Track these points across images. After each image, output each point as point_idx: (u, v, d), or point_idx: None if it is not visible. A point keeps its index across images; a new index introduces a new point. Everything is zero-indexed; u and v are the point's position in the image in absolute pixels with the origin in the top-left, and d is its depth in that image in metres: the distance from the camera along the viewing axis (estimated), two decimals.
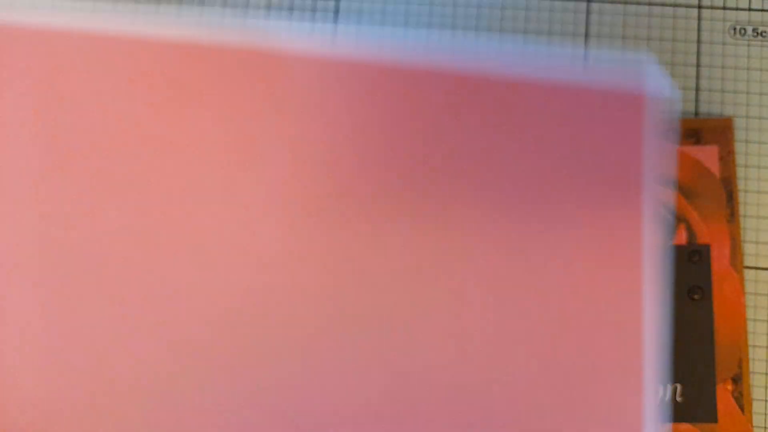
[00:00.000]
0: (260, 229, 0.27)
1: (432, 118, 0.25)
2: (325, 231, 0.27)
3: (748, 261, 0.36)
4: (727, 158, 0.35)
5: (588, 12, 0.38)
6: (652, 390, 0.26)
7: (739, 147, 0.37)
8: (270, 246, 0.27)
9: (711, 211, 0.35)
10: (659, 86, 0.24)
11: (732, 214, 0.35)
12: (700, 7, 0.38)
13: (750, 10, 0.38)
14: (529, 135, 0.25)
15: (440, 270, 0.26)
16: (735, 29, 0.38)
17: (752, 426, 0.34)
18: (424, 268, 0.26)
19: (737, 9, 0.38)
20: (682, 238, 0.35)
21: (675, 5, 0.38)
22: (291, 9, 0.39)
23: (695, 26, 0.38)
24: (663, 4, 0.38)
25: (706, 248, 0.35)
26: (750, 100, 0.37)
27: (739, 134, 0.37)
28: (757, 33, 0.38)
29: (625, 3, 0.38)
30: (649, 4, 0.38)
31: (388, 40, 0.25)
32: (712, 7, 0.38)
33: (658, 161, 0.24)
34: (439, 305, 0.26)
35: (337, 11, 0.39)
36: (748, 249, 0.36)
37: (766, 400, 0.35)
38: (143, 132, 0.27)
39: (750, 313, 0.36)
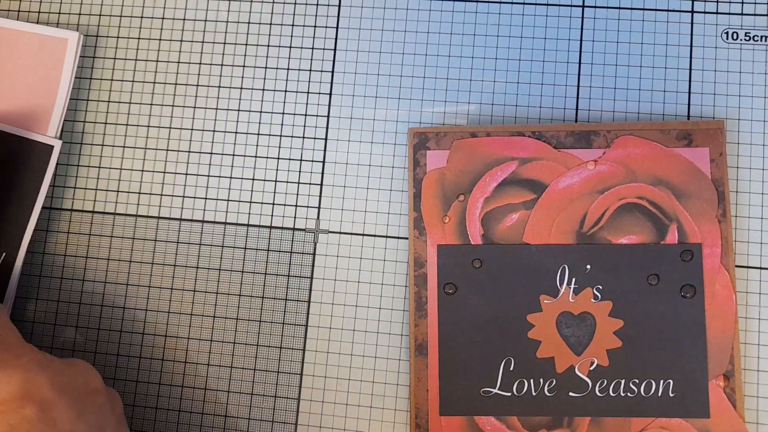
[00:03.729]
0: None
1: None
2: None
3: (740, 260, 0.37)
4: (719, 160, 0.36)
5: (583, 17, 0.39)
6: None
7: (730, 149, 0.37)
8: None
9: (703, 211, 0.36)
10: None
11: (723, 214, 0.36)
12: (693, 12, 0.39)
13: (742, 14, 0.39)
14: None
15: None
16: (727, 33, 0.38)
17: (744, 421, 0.35)
18: None
19: (730, 14, 0.39)
20: (674, 237, 0.36)
21: (668, 10, 0.39)
22: (294, 3, 0.40)
23: (688, 31, 0.39)
24: (656, 10, 0.39)
25: (698, 247, 0.36)
26: (742, 103, 0.38)
27: (731, 136, 0.38)
28: (749, 37, 0.38)
29: (619, 8, 0.39)
30: (643, 9, 0.39)
31: None
32: (705, 12, 0.39)
33: None
34: None
35: (339, 9, 0.40)
36: (740, 248, 0.37)
37: (757, 396, 0.36)
38: None
39: (741, 311, 0.36)
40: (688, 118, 0.38)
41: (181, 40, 0.40)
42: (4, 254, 0.37)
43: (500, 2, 0.39)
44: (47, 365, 0.30)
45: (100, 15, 0.41)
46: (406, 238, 0.38)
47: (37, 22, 0.41)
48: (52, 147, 0.38)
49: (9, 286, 0.37)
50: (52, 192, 0.40)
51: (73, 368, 0.32)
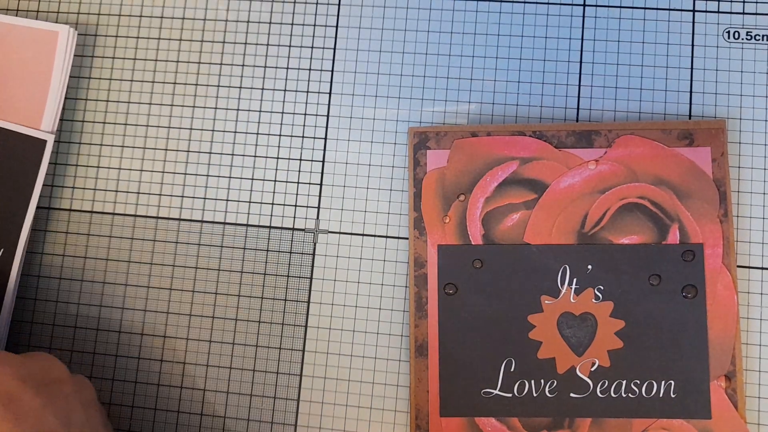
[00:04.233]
0: None
1: None
2: None
3: (741, 260, 0.37)
4: (720, 159, 0.36)
5: (584, 16, 0.39)
6: None
7: (732, 148, 0.37)
8: None
9: (704, 211, 0.36)
10: None
11: (725, 214, 0.36)
12: (694, 11, 0.39)
13: (744, 14, 0.38)
14: None
15: None
16: (729, 32, 0.38)
17: (746, 422, 0.35)
18: None
19: (731, 13, 0.38)
20: (676, 237, 0.36)
21: (669, 9, 0.39)
22: (294, 2, 0.40)
23: (689, 30, 0.38)
24: (657, 9, 0.39)
25: (700, 247, 0.35)
26: (743, 102, 0.38)
27: (732, 136, 0.37)
28: (751, 36, 0.38)
29: (620, 7, 0.39)
30: (644, 8, 0.39)
31: None
32: (706, 11, 0.39)
33: None
34: None
35: (339, 10, 0.40)
36: (741, 248, 0.37)
37: (759, 397, 0.36)
38: None
39: (743, 312, 0.36)
40: (690, 118, 0.38)
41: (181, 39, 0.40)
42: (2, 250, 0.37)
43: (500, 2, 0.39)
44: (5, 360, 0.30)
45: (99, 14, 0.41)
46: (406, 238, 0.38)
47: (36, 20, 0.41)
48: (45, 141, 0.38)
49: (9, 283, 0.37)
50: (50, 192, 0.40)
51: (33, 360, 0.32)
